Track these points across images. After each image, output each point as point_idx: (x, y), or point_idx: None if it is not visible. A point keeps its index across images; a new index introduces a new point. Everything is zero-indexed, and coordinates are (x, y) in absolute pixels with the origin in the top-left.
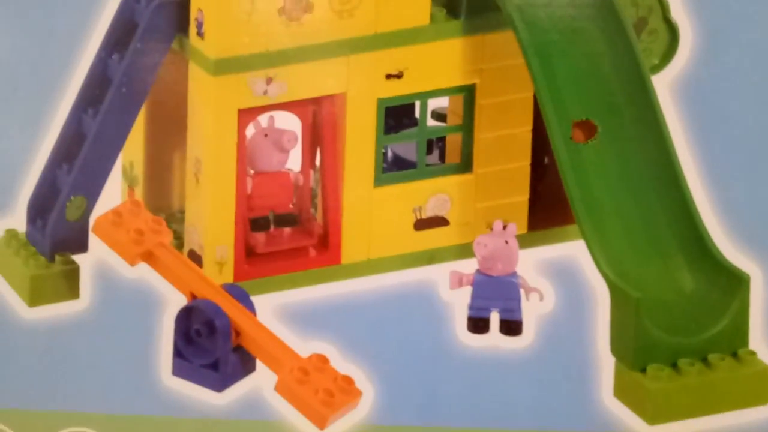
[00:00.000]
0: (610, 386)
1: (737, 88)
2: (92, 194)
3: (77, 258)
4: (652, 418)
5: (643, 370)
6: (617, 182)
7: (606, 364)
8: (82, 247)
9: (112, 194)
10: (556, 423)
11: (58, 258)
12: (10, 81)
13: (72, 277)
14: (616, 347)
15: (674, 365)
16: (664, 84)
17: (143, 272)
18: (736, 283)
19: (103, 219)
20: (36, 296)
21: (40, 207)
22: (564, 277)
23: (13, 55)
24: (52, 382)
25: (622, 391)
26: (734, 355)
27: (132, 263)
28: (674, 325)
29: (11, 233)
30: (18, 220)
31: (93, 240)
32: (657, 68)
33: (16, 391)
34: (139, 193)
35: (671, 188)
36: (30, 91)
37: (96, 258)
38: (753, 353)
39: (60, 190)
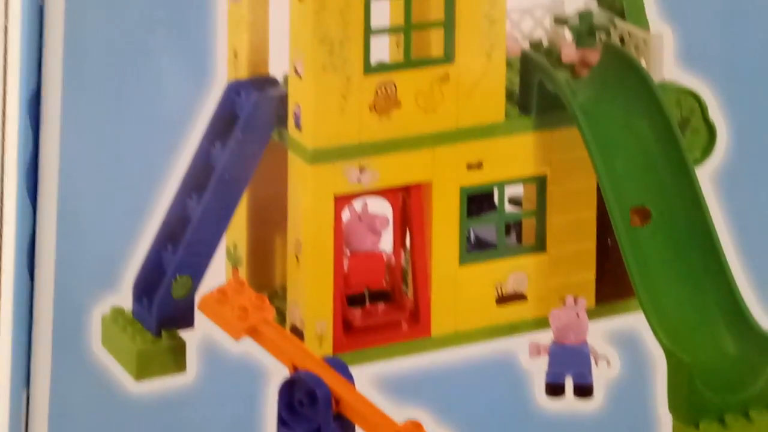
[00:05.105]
0: None
1: (765, 178)
2: (197, 274)
3: (183, 333)
4: None
5: (696, 425)
6: (670, 261)
7: (665, 421)
8: (188, 323)
9: (217, 273)
10: None
11: (164, 334)
12: (116, 165)
13: (178, 351)
14: (673, 405)
15: (721, 420)
16: (705, 174)
17: (247, 346)
18: None
19: (208, 297)
20: (143, 370)
21: (146, 286)
22: (627, 345)
23: (119, 142)
24: None
25: None
26: None
27: (237, 338)
28: (720, 385)
29: (117, 311)
30: (123, 298)
31: (199, 316)
32: (699, 161)
33: None
34: (242, 272)
35: (714, 265)
36: (135, 176)
37: (202, 333)
38: None
39: (165, 270)
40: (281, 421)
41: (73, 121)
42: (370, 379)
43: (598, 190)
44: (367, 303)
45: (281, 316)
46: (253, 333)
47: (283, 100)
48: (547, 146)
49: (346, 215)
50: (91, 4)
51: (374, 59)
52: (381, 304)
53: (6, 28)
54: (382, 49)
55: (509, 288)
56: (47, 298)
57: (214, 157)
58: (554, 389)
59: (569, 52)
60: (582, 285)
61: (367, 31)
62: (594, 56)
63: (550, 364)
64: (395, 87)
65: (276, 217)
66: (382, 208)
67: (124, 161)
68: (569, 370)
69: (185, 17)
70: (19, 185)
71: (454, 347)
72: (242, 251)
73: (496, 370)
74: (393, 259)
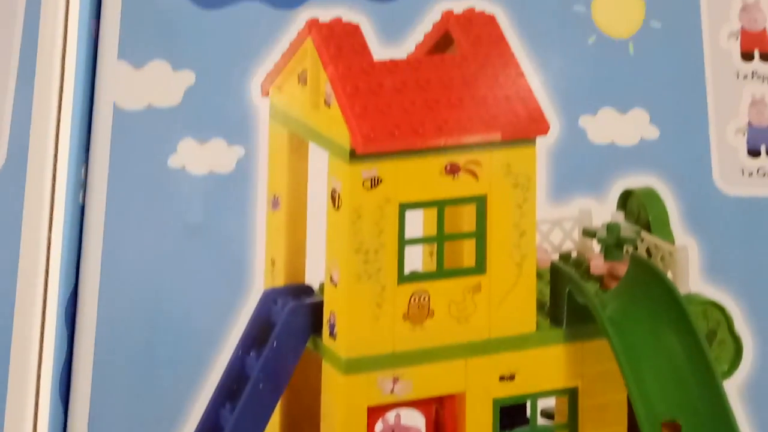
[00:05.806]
0: None
1: None
2: None
3: None
4: None
5: None
6: None
7: None
8: None
9: None
10: None
11: None
12: (148, 373)
13: None
14: None
15: None
16: (733, 387)
17: None
18: None
19: None
20: None
21: None
22: None
23: (153, 349)
24: None
25: None
26: None
27: None
28: None
29: None
30: None
31: None
32: (726, 374)
33: None
34: None
35: None
36: (167, 385)
37: None
38: None
39: None
40: None
41: (107, 329)
42: None
43: (629, 403)
44: None
45: None
46: None
47: (319, 308)
48: (578, 358)
49: (378, 427)
50: (131, 207)
51: (408, 268)
52: None
53: (50, 239)
54: (416, 259)
55: None
56: None
57: (249, 366)
58: None
59: (598, 264)
60: None
61: (402, 241)
62: (622, 268)
63: None
64: (428, 296)
65: (309, 427)
66: (415, 419)
67: (157, 369)
68: None
69: (223, 224)
70: (52, 390)
71: None
72: None
73: None
74: None
